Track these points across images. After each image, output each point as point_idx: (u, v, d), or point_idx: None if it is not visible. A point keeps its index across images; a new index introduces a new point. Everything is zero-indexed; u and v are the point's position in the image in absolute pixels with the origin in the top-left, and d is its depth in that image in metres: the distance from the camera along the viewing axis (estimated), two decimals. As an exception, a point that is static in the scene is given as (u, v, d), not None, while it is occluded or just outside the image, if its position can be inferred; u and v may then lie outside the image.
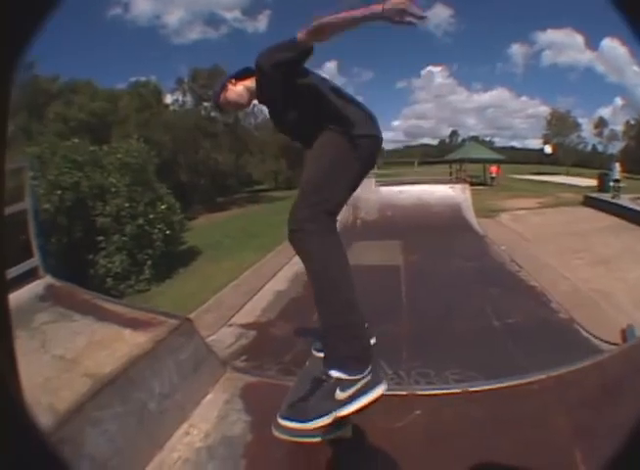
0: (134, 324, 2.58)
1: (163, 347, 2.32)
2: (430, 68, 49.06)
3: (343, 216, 10.24)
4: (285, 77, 1.82)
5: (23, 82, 23.62)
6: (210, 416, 2.29)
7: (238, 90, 2.05)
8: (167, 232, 15.25)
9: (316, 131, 1.89)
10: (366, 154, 1.88)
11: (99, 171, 14.81)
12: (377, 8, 1.50)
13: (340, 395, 1.63)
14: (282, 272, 6.75)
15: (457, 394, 2.47)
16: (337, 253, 1.78)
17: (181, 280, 13.91)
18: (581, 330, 4.29)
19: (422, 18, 1.51)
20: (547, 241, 9.05)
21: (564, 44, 40.93)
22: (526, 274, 6.45)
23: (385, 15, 1.49)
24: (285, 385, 2.34)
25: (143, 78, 33.70)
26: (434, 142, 49.85)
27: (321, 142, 1.87)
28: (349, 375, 1.63)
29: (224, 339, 4.80)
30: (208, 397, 2.45)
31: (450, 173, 20.56)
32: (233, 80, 2.07)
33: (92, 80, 31.20)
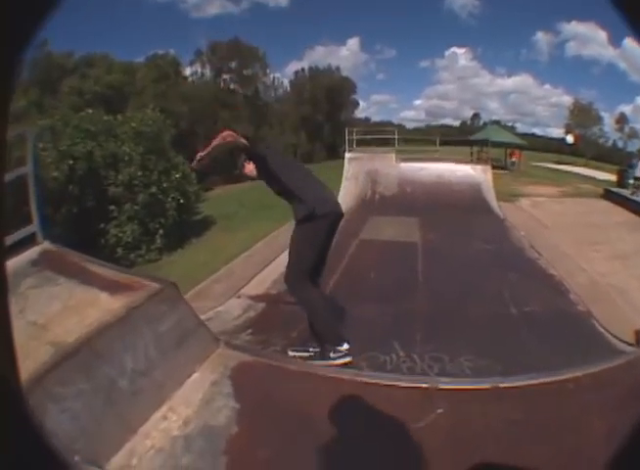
0: (113, 288, 2.23)
1: (139, 315, 1.95)
2: (454, 49, 47.16)
3: (361, 190, 9.94)
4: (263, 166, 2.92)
5: (36, 60, 23.21)
6: (193, 399, 1.94)
7: (250, 168, 3.03)
8: (181, 201, 14.94)
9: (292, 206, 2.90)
10: (327, 227, 2.86)
11: (112, 141, 14.47)
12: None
13: (332, 356, 2.75)
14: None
15: (486, 390, 2.09)
16: (313, 297, 2.87)
17: (193, 250, 13.64)
18: (597, 325, 3.99)
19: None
20: (565, 230, 8.77)
21: (587, 37, 38.74)
22: (546, 262, 6.10)
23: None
24: (283, 367, 2.00)
25: (161, 51, 32.90)
26: (456, 123, 48.29)
27: (294, 231, 2.92)
28: (339, 346, 2.78)
29: (231, 310, 4.56)
30: (194, 376, 2.09)
31: (471, 154, 19.87)
32: (247, 160, 3.02)
33: (108, 54, 30.57)
